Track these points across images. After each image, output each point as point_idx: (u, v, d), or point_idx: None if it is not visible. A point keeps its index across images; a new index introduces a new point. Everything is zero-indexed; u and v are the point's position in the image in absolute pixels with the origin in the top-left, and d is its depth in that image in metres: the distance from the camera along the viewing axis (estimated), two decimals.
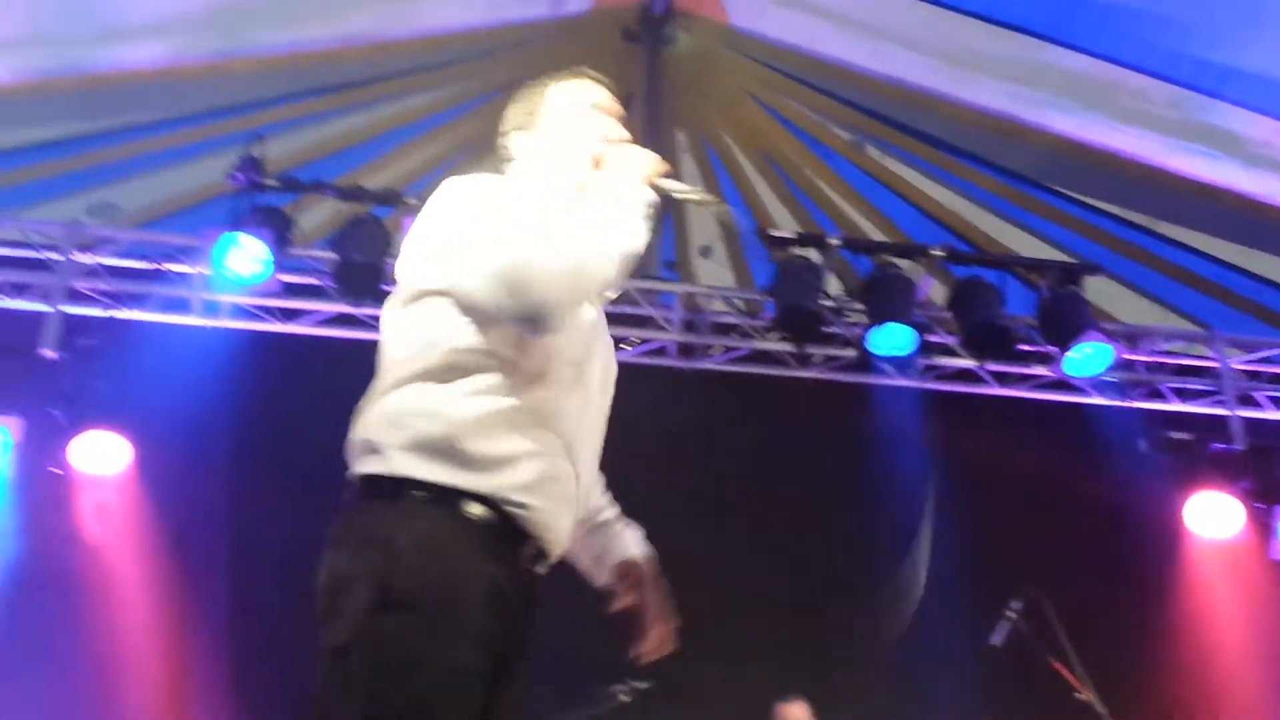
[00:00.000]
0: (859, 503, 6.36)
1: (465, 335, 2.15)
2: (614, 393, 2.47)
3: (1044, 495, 6.35)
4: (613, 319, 6.44)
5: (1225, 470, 6.34)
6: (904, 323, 5.98)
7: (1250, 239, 6.50)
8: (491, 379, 2.15)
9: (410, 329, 2.20)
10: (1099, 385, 6.47)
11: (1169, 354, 6.55)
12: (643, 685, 5.18)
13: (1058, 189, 6.77)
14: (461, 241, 2.15)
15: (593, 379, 2.35)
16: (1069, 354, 6.13)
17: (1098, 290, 6.50)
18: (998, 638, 5.29)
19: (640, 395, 6.56)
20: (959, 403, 6.57)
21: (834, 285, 6.56)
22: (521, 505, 2.13)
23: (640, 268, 6.63)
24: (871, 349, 6.16)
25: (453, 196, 2.25)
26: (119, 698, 5.49)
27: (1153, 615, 6.26)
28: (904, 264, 6.20)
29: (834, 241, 6.20)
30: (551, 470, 2.19)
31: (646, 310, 6.36)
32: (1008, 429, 6.51)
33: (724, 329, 6.49)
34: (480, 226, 2.14)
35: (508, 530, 2.12)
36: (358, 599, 1.98)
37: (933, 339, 6.39)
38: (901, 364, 6.34)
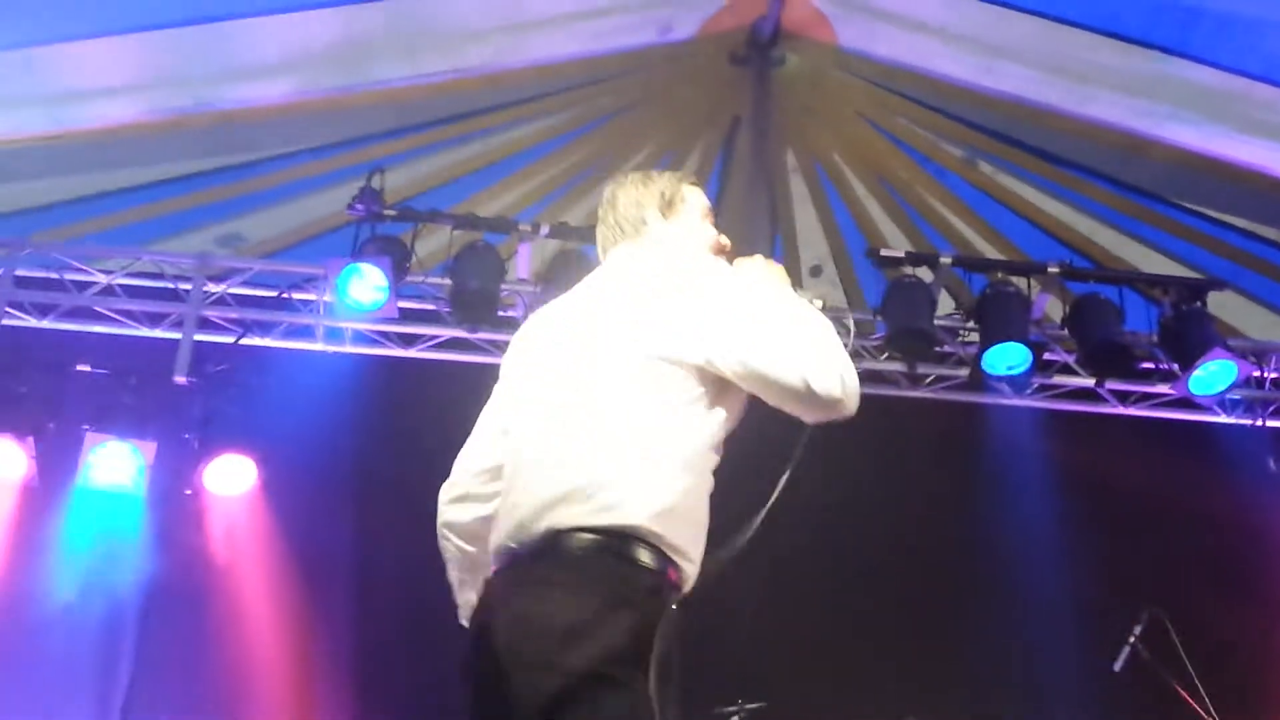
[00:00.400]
0: (974, 521, 6.29)
1: (698, 408, 2.34)
2: None
3: (1168, 515, 6.19)
4: None
5: None
6: (1019, 341, 5.91)
7: None
8: (706, 451, 2.36)
9: (639, 395, 2.33)
10: (1225, 403, 6.30)
11: None
12: (755, 706, 5.20)
13: (1181, 203, 6.60)
14: (724, 320, 2.34)
15: None
16: (1193, 372, 5.98)
17: (1224, 305, 6.35)
18: (1119, 664, 5.18)
19: (750, 417, 6.59)
20: (1079, 422, 6.46)
21: (947, 304, 6.50)
22: (691, 562, 2.32)
23: None
24: (986, 368, 6.09)
25: (675, 278, 2.45)
26: (246, 710, 5.69)
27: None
28: (1019, 281, 6.13)
29: (946, 260, 6.15)
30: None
31: None
32: (1130, 448, 6.38)
33: None
34: (751, 308, 2.35)
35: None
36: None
37: (1050, 357, 6.30)
38: (1017, 383, 6.25)
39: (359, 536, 6.08)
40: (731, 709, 5.19)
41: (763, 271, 2.55)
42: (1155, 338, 6.12)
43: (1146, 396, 6.38)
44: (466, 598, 2.57)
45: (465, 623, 2.49)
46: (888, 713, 5.70)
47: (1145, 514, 6.23)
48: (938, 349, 6.26)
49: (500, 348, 6.31)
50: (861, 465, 6.46)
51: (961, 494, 6.38)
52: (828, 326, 2.36)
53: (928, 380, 6.45)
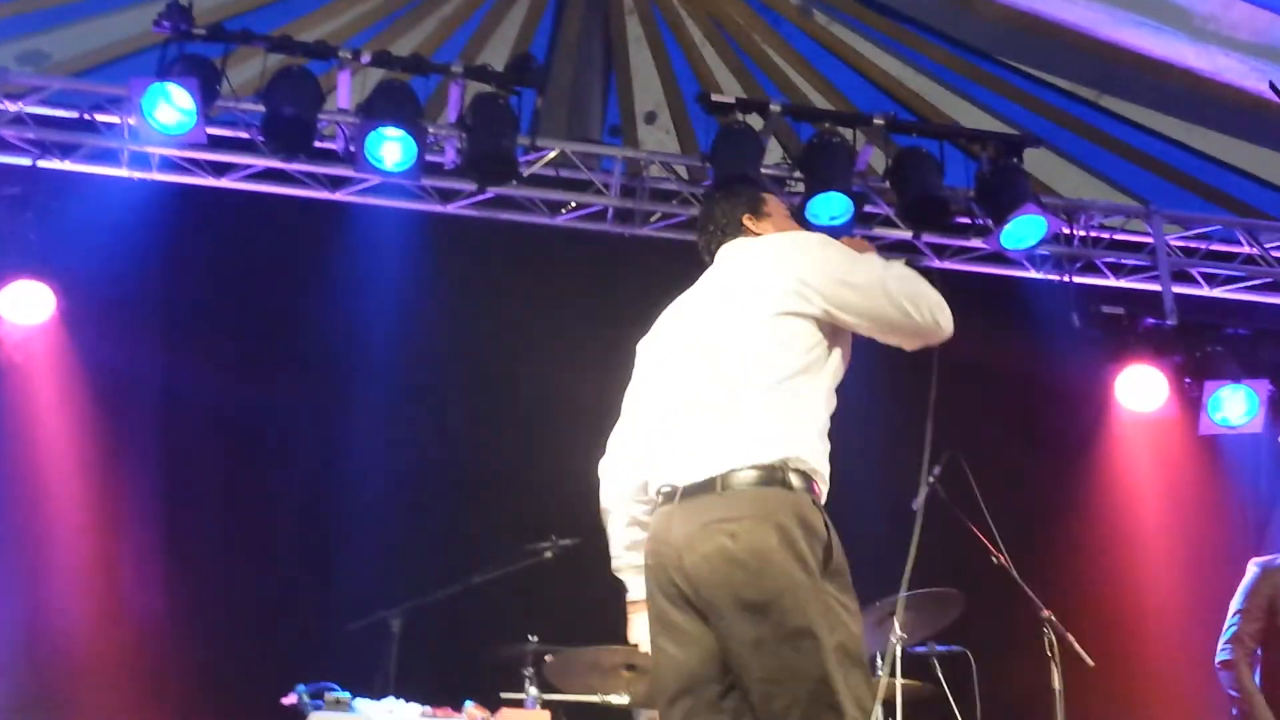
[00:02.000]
0: None
1: (818, 352, 2.85)
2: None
3: (976, 366, 6.38)
4: (550, 182, 6.45)
5: (1156, 345, 6.41)
6: (842, 191, 5.96)
7: (1193, 115, 6.48)
8: (830, 388, 2.89)
9: (773, 347, 2.83)
10: (1034, 259, 6.49)
11: (1106, 228, 6.55)
12: (568, 541, 5.26)
13: (1005, 61, 6.71)
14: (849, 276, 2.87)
15: None
16: (1005, 227, 6.14)
17: (1038, 163, 6.49)
18: (916, 502, 5.37)
19: (576, 260, 6.57)
20: None
21: (776, 152, 6.51)
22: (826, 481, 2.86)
23: (580, 131, 6.64)
24: (809, 217, 6.14)
25: (787, 248, 2.99)
26: (43, 545, 5.53)
27: (1077, 485, 6.38)
28: (846, 133, 6.15)
29: (776, 108, 6.13)
30: None
31: (585, 174, 6.31)
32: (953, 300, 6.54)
33: (664, 195, 6.44)
34: (865, 268, 2.90)
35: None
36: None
37: (872, 209, 6.38)
38: (839, 233, 6.31)
39: (163, 369, 5.88)
40: (545, 544, 5.24)
41: (853, 245, 3.04)
42: (972, 193, 6.24)
43: (962, 250, 6.52)
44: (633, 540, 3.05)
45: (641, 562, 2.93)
46: None
47: (955, 363, 6.41)
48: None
49: (320, 181, 6.12)
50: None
51: None
52: (918, 276, 2.92)
53: None
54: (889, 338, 2.94)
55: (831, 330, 2.88)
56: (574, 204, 6.35)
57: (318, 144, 5.86)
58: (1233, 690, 4.77)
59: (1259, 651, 4.87)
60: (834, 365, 2.89)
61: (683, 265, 6.43)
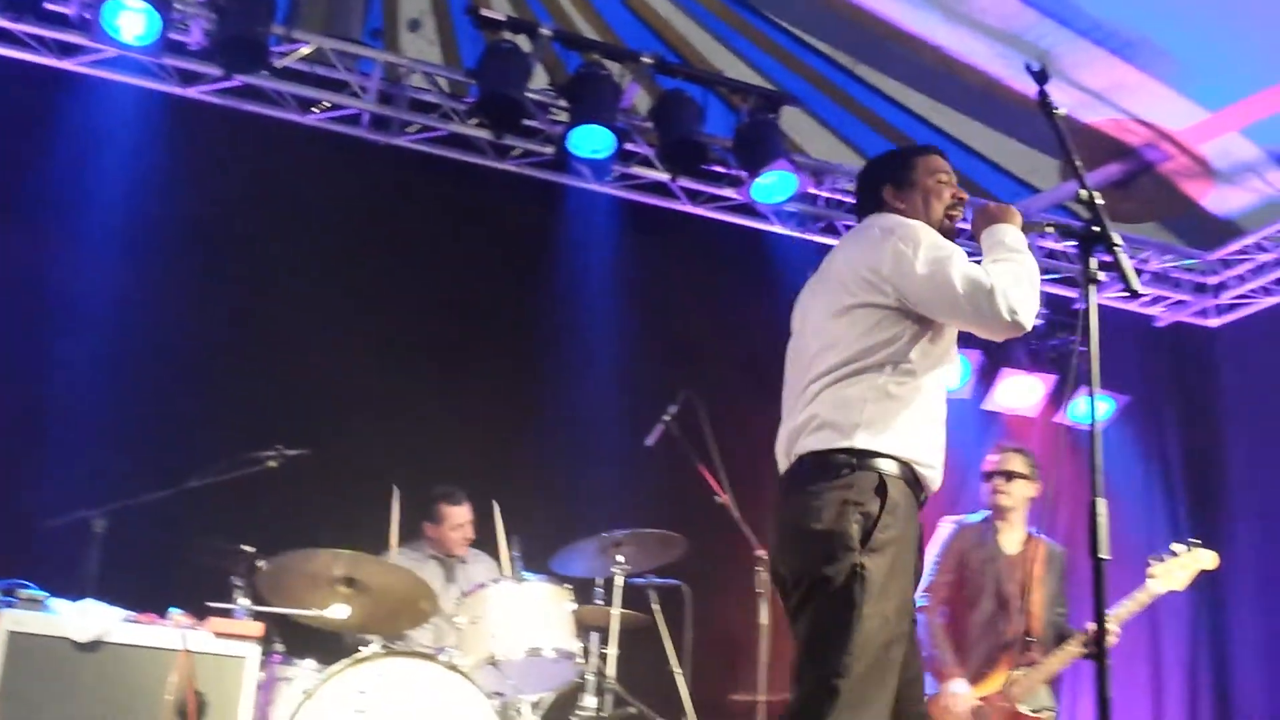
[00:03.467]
0: (540, 299, 6.38)
1: (900, 342, 3.00)
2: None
3: (716, 314, 6.55)
4: (305, 78, 6.12)
5: None
6: (605, 125, 5.95)
7: (938, 93, 6.77)
8: (906, 374, 3.01)
9: (847, 336, 3.03)
10: (782, 214, 6.67)
11: (850, 193, 6.79)
12: (296, 452, 5.08)
13: (770, 17, 6.82)
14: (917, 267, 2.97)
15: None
16: (758, 179, 6.28)
17: (793, 122, 6.66)
18: (651, 439, 5.48)
19: (326, 162, 6.29)
20: (649, 215, 6.64)
21: (542, 79, 6.43)
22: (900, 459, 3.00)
23: (340, 28, 6.34)
24: (570, 149, 6.11)
25: (886, 231, 3.06)
26: None
27: None
28: (613, 67, 6.13)
29: (546, 32, 6.04)
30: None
31: (343, 74, 6.05)
32: (693, 247, 6.65)
33: (423, 107, 6.26)
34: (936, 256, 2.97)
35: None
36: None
37: (632, 148, 6.40)
38: (598, 168, 6.32)
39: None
40: (269, 453, 5.03)
41: (994, 218, 3.13)
42: (729, 143, 6.34)
43: (714, 199, 6.64)
44: None
45: None
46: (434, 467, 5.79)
47: (696, 310, 6.55)
48: (526, 122, 6.19)
49: (49, 46, 5.63)
50: (435, 231, 6.38)
51: (532, 271, 6.42)
52: (1018, 269, 2.98)
53: (513, 153, 6.38)
54: (969, 328, 3.06)
55: (918, 318, 3.01)
56: (327, 104, 6.09)
57: (49, 4, 5.39)
58: (922, 634, 5.07)
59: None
60: (921, 353, 3.02)
61: (435, 183, 6.35)
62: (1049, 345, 6.83)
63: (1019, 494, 5.17)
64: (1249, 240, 7.21)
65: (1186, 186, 7.09)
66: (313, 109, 6.09)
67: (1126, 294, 4.41)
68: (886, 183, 3.27)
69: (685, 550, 5.28)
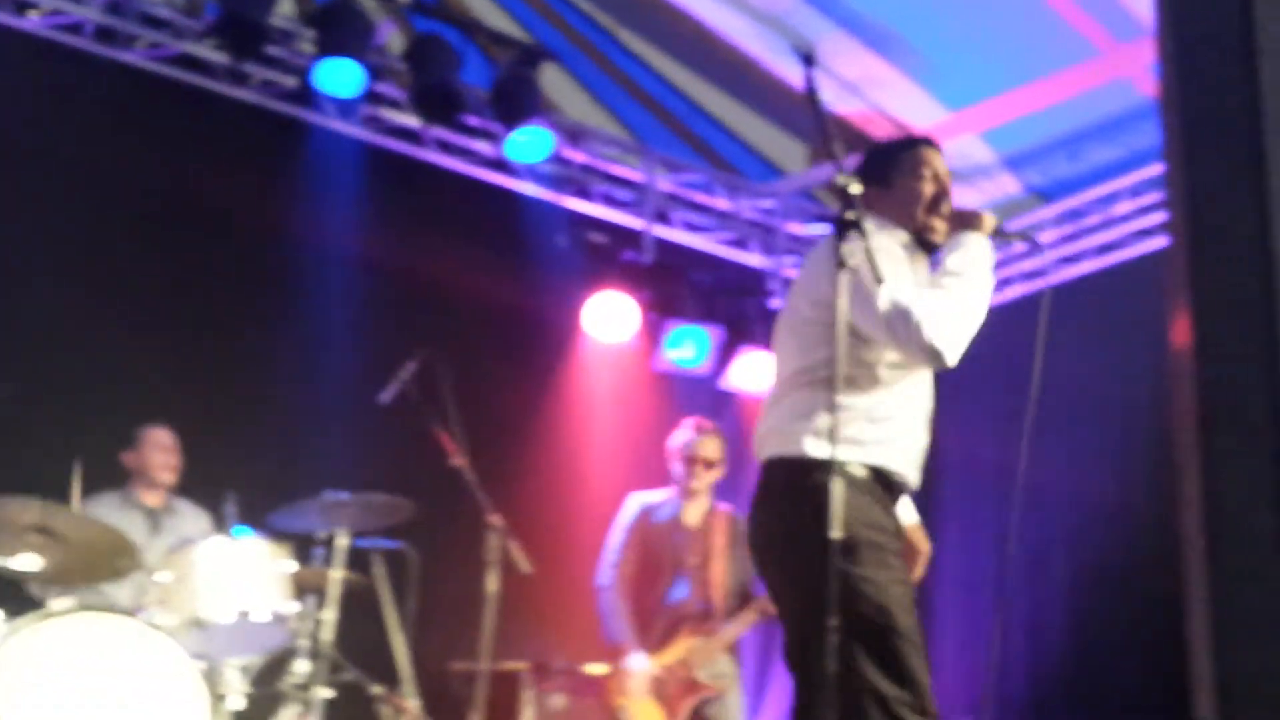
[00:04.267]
0: (280, 241, 5.99)
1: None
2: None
3: (462, 272, 6.31)
4: None
5: (630, 279, 6.66)
6: (356, 60, 5.63)
7: (696, 66, 6.74)
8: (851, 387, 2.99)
9: (795, 351, 3.09)
10: (535, 174, 6.51)
11: (604, 158, 6.70)
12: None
13: None
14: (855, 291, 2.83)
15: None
16: (513, 135, 6.10)
17: (551, 81, 6.51)
18: (386, 396, 5.23)
19: (43, 73, 5.70)
20: (397, 163, 6.35)
21: (289, 7, 6.03)
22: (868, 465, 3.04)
23: None
24: (316, 84, 5.76)
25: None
26: None
27: (540, 402, 6.51)
28: (367, 3, 5.82)
29: None
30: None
31: None
32: (441, 200, 6.41)
33: (156, 23, 5.76)
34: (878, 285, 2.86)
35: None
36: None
37: (382, 89, 6.10)
38: (345, 106, 5.99)
39: None
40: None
41: (964, 223, 3.07)
42: (486, 95, 6.13)
43: (466, 152, 6.41)
44: None
45: None
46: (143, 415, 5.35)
47: (438, 263, 6.28)
48: (268, 50, 5.79)
49: None
50: (160, 159, 5.87)
51: (265, 211, 6.00)
52: (956, 297, 2.93)
53: (252, 81, 5.96)
54: (895, 353, 3.02)
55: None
56: (45, 7, 5.51)
57: None
58: (608, 611, 5.15)
59: None
60: (872, 364, 3.00)
61: (162, 107, 5.85)
62: None
63: (712, 478, 5.29)
64: None
65: None
66: (29, 11, 5.51)
67: None
68: (871, 182, 3.11)
69: (413, 514, 5.08)
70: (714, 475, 5.29)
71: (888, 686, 2.77)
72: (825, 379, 2.95)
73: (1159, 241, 6.66)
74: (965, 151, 6.92)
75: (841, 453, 2.85)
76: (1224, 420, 1.10)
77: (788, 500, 2.95)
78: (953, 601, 7.23)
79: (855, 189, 2.84)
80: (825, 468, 2.85)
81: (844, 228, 2.89)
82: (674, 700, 5.02)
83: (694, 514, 5.29)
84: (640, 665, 4.99)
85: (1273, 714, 1.08)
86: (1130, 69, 6.12)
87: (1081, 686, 6.36)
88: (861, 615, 2.76)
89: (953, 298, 2.94)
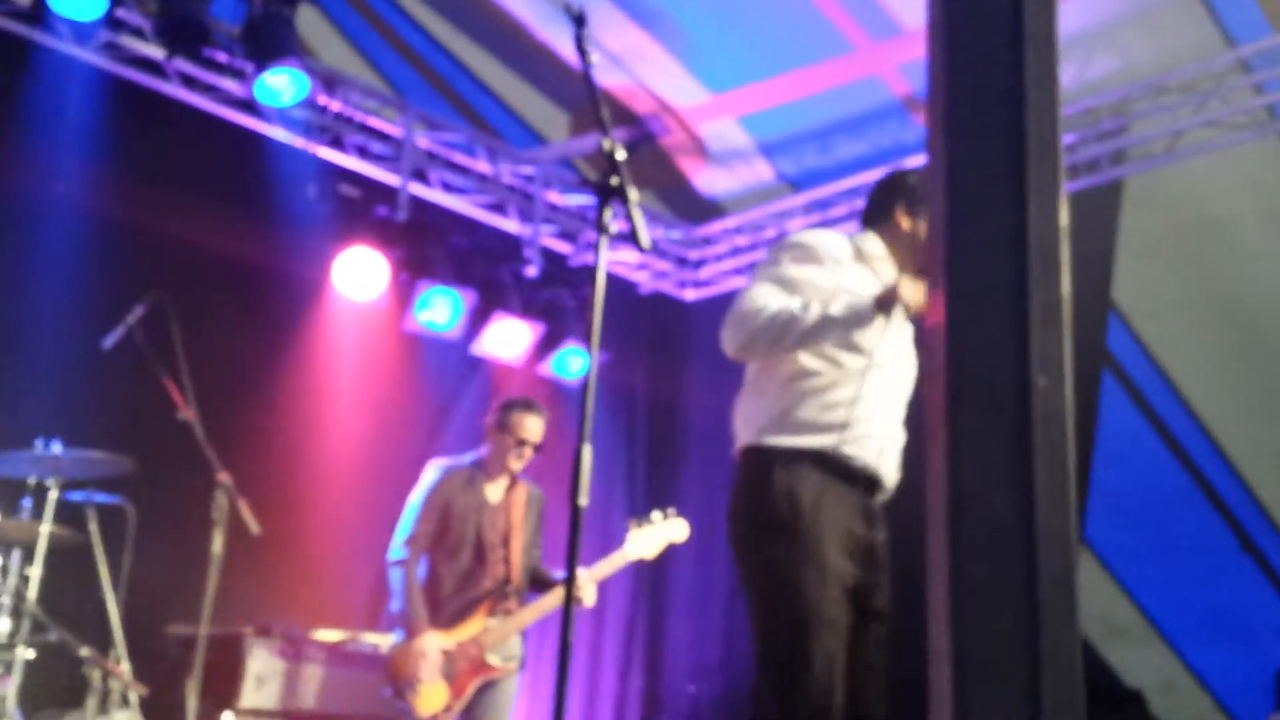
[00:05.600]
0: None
1: None
2: None
3: (202, 215, 5.98)
4: None
5: (383, 236, 6.47)
6: None
7: (464, 25, 6.61)
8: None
9: None
10: (285, 118, 6.23)
11: (361, 109, 6.48)
12: None
13: None
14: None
15: None
16: (265, 76, 5.83)
17: (309, 23, 6.25)
18: (109, 340, 4.91)
19: None
20: (137, 95, 5.96)
21: None
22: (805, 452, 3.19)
23: None
24: (51, 2, 5.35)
25: None
26: None
27: (283, 358, 6.26)
28: None
29: None
30: None
31: None
32: (182, 138, 6.05)
33: None
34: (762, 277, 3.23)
35: None
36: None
37: (125, 16, 5.71)
38: (82, 30, 5.58)
39: None
40: None
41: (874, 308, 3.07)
42: (237, 31, 5.83)
43: (214, 90, 6.07)
44: None
45: None
46: None
47: (183, 206, 5.93)
48: None
49: None
50: None
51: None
52: (794, 323, 3.03)
53: None
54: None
55: None
56: None
57: None
58: (397, 586, 4.90)
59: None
60: (829, 350, 3.11)
61: None
62: (541, 296, 6.91)
63: (528, 460, 5.10)
64: (729, 223, 7.69)
65: (681, 162, 7.45)
66: None
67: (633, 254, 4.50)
68: (900, 200, 3.23)
69: (133, 468, 4.80)
70: (530, 457, 5.10)
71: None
72: (770, 367, 3.18)
73: None
74: (723, 134, 7.06)
75: (789, 440, 3.09)
76: (970, 399, 1.13)
77: (741, 490, 3.18)
78: (686, 577, 7.40)
79: (620, 155, 2.85)
80: (770, 455, 3.10)
81: (606, 194, 2.89)
82: (461, 677, 4.81)
83: (497, 490, 5.08)
84: (431, 644, 4.77)
85: (1003, 681, 1.13)
86: (882, 68, 6.37)
87: None
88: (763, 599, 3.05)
89: (793, 322, 3.04)
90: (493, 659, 4.86)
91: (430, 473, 5.06)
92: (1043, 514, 1.13)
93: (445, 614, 4.90)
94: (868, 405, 3.15)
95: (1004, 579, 1.13)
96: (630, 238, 3.02)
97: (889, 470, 3.24)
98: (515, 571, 5.00)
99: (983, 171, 1.05)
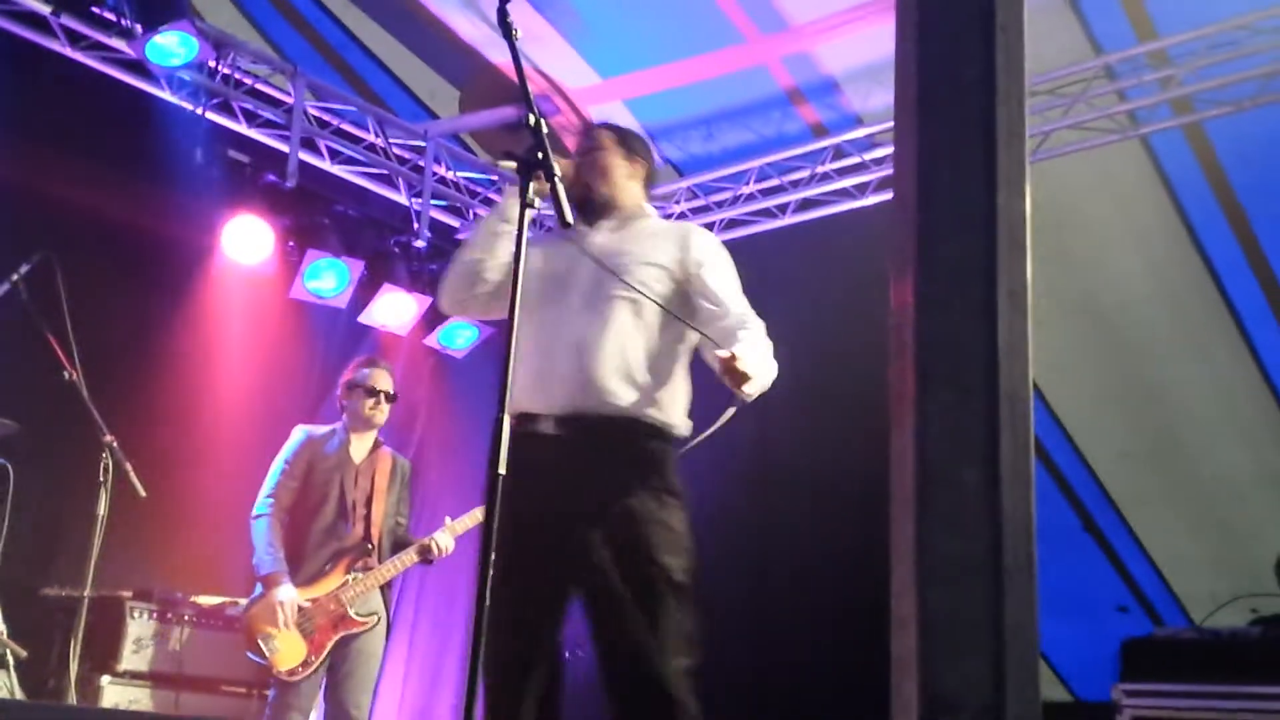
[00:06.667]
0: None
1: None
2: None
3: (89, 174, 5.88)
4: None
5: (271, 203, 6.43)
6: None
7: None
8: None
9: None
10: (174, 80, 6.15)
11: (250, 74, 6.42)
12: None
13: None
14: None
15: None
16: (154, 37, 5.75)
17: None
18: None
19: None
20: (24, 52, 5.80)
21: None
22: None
23: None
24: None
25: None
26: None
27: (169, 323, 6.20)
28: None
29: None
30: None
31: None
32: (70, 96, 5.92)
33: None
34: None
35: None
36: None
37: None
38: None
39: None
40: None
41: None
42: None
43: (101, 47, 5.95)
44: None
45: None
46: None
47: (70, 165, 5.81)
48: None
49: None
50: None
51: None
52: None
53: None
54: None
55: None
56: None
57: None
58: (257, 540, 5.04)
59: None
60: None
61: None
62: (429, 269, 6.95)
63: (386, 411, 5.29)
64: None
65: (568, 142, 7.54)
66: None
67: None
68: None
69: (16, 430, 4.74)
70: (387, 409, 5.28)
71: None
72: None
73: (780, 221, 7.21)
74: (610, 117, 7.17)
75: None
76: (939, 379, 1.20)
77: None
78: None
79: (544, 129, 2.94)
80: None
81: (530, 168, 2.97)
82: (320, 633, 4.96)
83: (360, 449, 5.27)
84: (287, 596, 4.90)
85: (968, 648, 1.18)
86: (769, 59, 6.56)
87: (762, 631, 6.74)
88: None
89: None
90: (353, 613, 5.00)
91: (296, 434, 5.26)
92: (1008, 491, 1.17)
93: (306, 571, 5.05)
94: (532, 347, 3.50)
95: (971, 552, 1.17)
96: (556, 212, 3.10)
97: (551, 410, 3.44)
98: (376, 530, 5.16)
99: (954, 157, 1.15)
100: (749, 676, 6.39)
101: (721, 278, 3.46)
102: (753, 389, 3.09)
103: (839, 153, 6.93)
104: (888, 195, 6.80)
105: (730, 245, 7.21)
